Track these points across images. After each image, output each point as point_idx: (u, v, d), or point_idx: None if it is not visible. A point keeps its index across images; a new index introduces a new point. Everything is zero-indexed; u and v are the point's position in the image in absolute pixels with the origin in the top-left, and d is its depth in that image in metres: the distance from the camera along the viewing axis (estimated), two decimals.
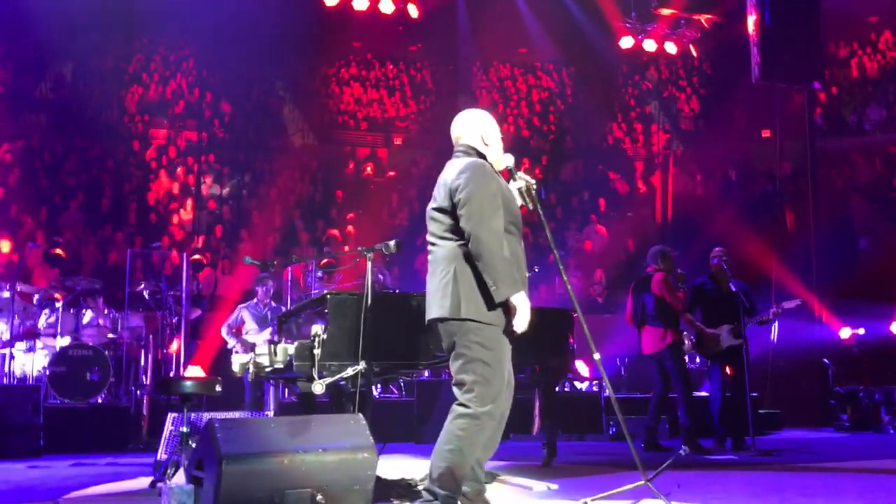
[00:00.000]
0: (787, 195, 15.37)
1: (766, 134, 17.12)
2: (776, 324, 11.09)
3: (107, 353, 8.49)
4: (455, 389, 3.40)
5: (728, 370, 7.57)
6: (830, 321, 12.19)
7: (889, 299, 11.96)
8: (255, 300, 8.45)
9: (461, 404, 3.34)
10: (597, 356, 4.50)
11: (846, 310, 12.08)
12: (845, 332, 11.89)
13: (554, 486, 4.85)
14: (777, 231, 14.14)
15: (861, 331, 11.86)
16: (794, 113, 15.23)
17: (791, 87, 12.97)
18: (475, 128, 3.81)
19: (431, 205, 3.68)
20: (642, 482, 4.18)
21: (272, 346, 4.63)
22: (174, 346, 9.39)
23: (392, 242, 4.67)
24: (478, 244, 3.43)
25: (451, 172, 3.63)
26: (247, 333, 8.00)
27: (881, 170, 15.72)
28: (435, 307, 3.49)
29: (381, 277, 9.67)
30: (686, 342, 7.60)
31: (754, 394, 8.17)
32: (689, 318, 7.63)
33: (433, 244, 3.63)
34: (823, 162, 15.25)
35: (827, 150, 15.81)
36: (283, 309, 8.43)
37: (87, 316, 8.90)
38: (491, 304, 3.42)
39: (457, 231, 3.53)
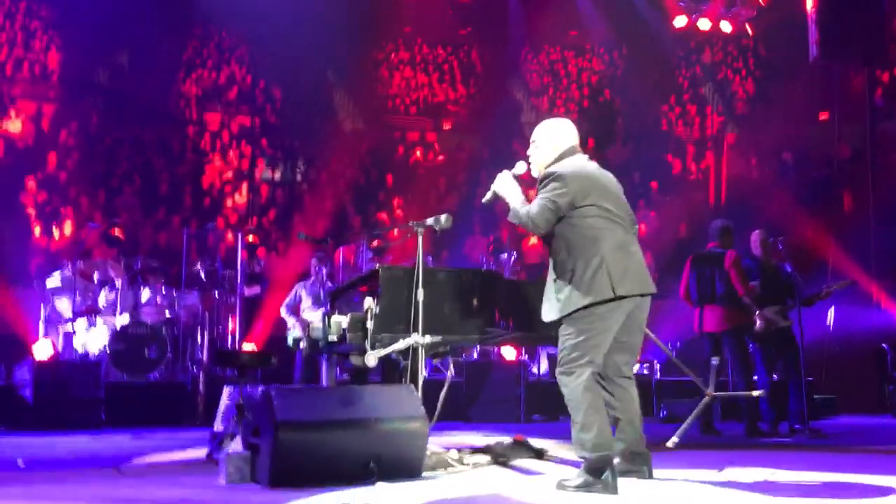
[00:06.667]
0: (845, 179, 15.00)
1: (823, 116, 16.72)
2: (832, 309, 10.87)
3: (164, 330, 8.69)
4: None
5: (775, 353, 7.36)
6: (889, 306, 11.89)
7: None
8: (311, 278, 8.56)
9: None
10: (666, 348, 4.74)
11: None
12: None
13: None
14: (834, 215, 13.81)
15: None
16: (854, 94, 14.83)
17: (851, 67, 12.59)
18: None
19: (622, 199, 4.33)
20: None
21: (326, 318, 4.69)
22: (230, 325, 9.56)
23: (443, 217, 4.67)
24: None
25: None
26: (304, 311, 8.12)
27: None
28: (651, 285, 4.37)
29: (430, 259, 9.71)
30: (759, 322, 7.06)
31: (809, 378, 7.99)
32: (748, 302, 7.15)
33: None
34: (884, 145, 14.83)
35: (888, 134, 15.35)
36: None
37: (146, 294, 9.09)
38: None
39: None
